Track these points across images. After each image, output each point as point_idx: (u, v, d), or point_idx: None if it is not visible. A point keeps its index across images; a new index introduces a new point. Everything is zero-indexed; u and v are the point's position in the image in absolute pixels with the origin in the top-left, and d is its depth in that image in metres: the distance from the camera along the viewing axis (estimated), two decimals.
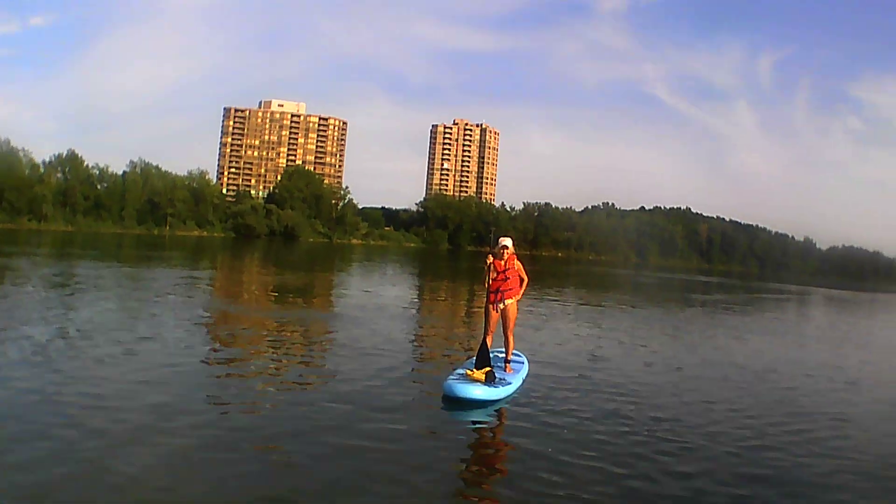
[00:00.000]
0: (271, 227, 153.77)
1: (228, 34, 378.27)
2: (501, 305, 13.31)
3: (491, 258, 13.33)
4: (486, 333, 13.07)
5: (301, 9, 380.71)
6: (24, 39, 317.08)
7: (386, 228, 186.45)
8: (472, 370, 12.25)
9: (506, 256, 13.33)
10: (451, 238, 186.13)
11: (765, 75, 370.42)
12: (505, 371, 13.07)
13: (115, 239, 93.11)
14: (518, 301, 13.53)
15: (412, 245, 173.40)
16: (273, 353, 15.97)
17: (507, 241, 13.52)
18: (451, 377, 12.29)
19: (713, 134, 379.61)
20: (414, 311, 27.87)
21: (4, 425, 8.91)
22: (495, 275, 13.27)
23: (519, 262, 13.46)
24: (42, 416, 9.38)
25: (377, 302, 28.31)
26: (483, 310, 14.01)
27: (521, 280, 13.50)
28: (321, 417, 10.32)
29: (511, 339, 13.54)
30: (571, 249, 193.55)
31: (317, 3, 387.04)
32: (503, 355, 13.60)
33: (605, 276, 77.41)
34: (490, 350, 12.68)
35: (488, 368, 12.22)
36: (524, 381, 13.20)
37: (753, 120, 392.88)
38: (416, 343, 19.11)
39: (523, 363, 14.13)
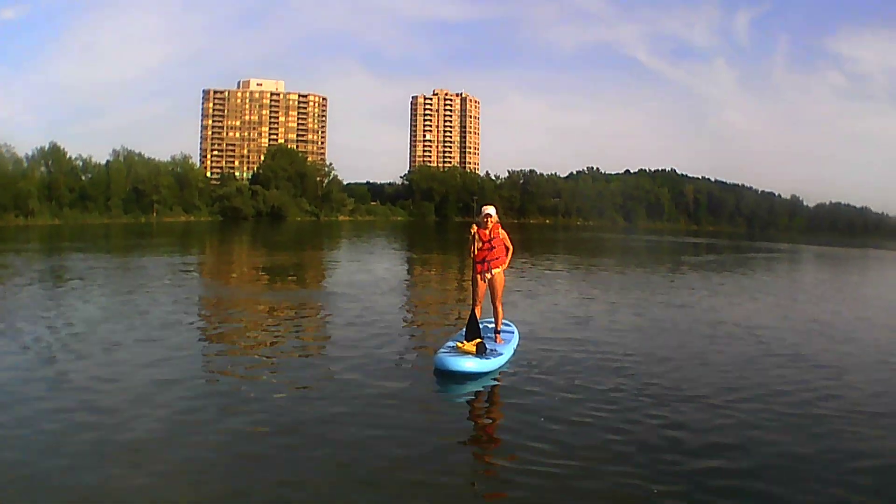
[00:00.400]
0: (258, 208, 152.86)
1: (202, 16, 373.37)
2: (488, 275, 13.27)
3: (475, 228, 13.23)
4: (474, 304, 13.08)
5: None
6: None
7: (372, 203, 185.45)
8: (462, 342, 12.23)
9: (490, 225, 13.22)
10: (437, 210, 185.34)
11: (742, 33, 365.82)
12: (496, 341, 13.08)
13: (102, 230, 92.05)
14: (505, 270, 13.49)
15: (399, 219, 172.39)
16: (265, 333, 16.20)
17: (491, 210, 13.42)
18: (442, 350, 12.28)
19: (694, 94, 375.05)
20: (404, 285, 28.15)
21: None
22: (480, 244, 13.20)
23: (504, 231, 13.38)
24: (53, 400, 9.97)
25: (367, 278, 28.49)
26: (470, 281, 13.90)
27: (507, 249, 13.44)
28: (315, 396, 10.57)
29: (500, 308, 13.51)
30: (559, 216, 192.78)
31: None
32: (493, 326, 13.60)
33: (594, 242, 77.10)
34: (479, 321, 12.70)
35: (479, 340, 12.20)
36: (515, 350, 13.20)
37: (733, 78, 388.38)
38: (407, 316, 19.32)
39: (513, 332, 14.09)
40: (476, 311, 12.87)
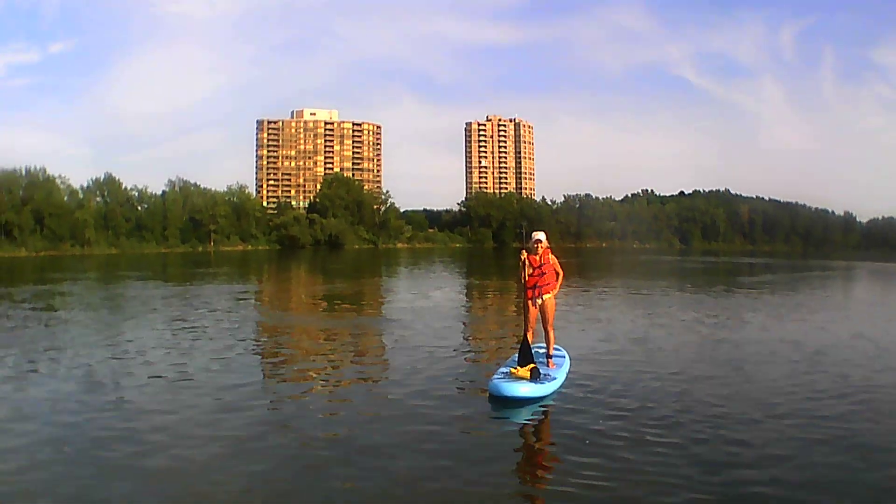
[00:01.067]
0: (315, 236, 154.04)
1: (250, 48, 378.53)
2: (539, 301, 13.21)
3: (525, 254, 13.17)
4: (525, 330, 12.99)
5: (318, 15, 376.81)
6: (45, 67, 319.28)
7: (430, 230, 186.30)
8: (515, 368, 12.22)
9: (540, 251, 13.22)
10: (495, 236, 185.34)
11: (787, 48, 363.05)
12: (547, 366, 12.97)
13: (160, 259, 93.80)
14: (555, 295, 13.43)
15: (457, 245, 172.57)
16: (324, 359, 16.30)
17: (541, 235, 13.40)
18: (496, 376, 12.28)
19: (743, 112, 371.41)
20: (462, 311, 28.54)
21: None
22: (531, 270, 13.15)
23: (553, 256, 13.37)
24: (120, 424, 10.21)
25: (425, 304, 28.60)
26: (521, 307, 13.86)
27: (557, 274, 13.39)
28: (372, 421, 10.62)
29: (552, 333, 13.45)
30: (615, 239, 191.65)
31: (332, 7, 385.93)
32: (544, 350, 13.46)
33: (651, 265, 76.17)
34: (531, 346, 12.67)
35: (532, 365, 12.17)
36: (567, 374, 13.07)
37: (781, 94, 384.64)
38: (463, 342, 19.12)
39: (564, 357, 14.01)
40: (528, 336, 12.81)
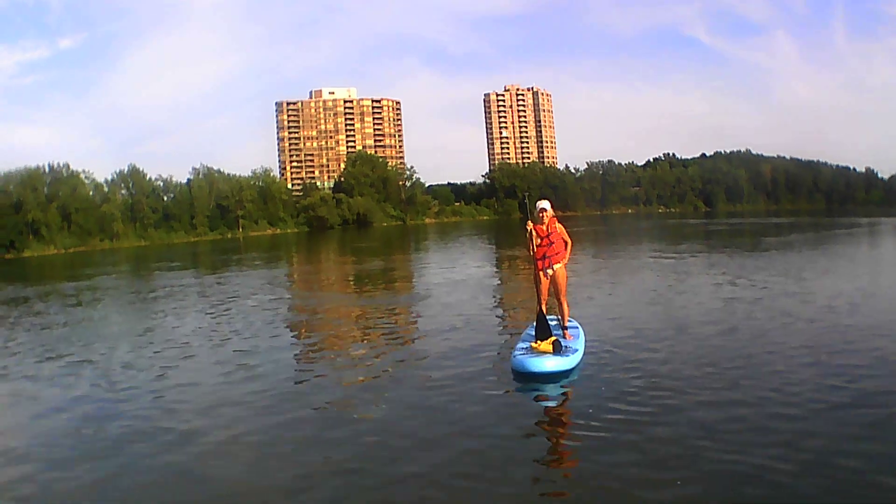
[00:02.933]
0: (343, 216, 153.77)
1: (260, 29, 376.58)
2: (550, 271, 13.01)
3: (531, 224, 12.96)
4: (539, 302, 12.83)
5: None
6: (55, 63, 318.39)
7: (456, 204, 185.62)
8: (536, 342, 12.06)
9: (546, 220, 12.94)
10: (521, 206, 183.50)
11: (798, 2, 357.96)
12: (564, 338, 12.68)
13: (189, 247, 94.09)
14: (566, 265, 13.23)
15: (485, 218, 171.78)
16: (356, 338, 16.84)
17: (546, 204, 13.09)
18: (518, 352, 12.12)
19: (758, 69, 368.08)
20: (493, 283, 28.58)
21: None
22: (539, 241, 12.94)
23: (561, 225, 13.10)
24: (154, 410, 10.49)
25: (456, 277, 29.13)
26: (532, 279, 13.53)
27: (566, 243, 13.17)
28: (402, 401, 10.60)
29: (566, 304, 13.29)
30: (640, 205, 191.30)
31: None
32: (555, 322, 13.26)
33: (678, 228, 75.43)
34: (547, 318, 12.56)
35: (554, 338, 12.02)
36: (585, 345, 12.77)
37: (795, 50, 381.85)
38: (494, 316, 19.19)
39: (578, 327, 13.81)
40: (543, 308, 12.64)
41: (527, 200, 13.93)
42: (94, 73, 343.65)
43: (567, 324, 13.27)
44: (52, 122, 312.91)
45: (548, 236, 12.87)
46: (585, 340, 12.96)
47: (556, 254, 12.92)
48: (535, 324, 12.99)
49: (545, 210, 12.89)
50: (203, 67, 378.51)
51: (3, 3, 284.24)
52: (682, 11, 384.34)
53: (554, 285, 13.03)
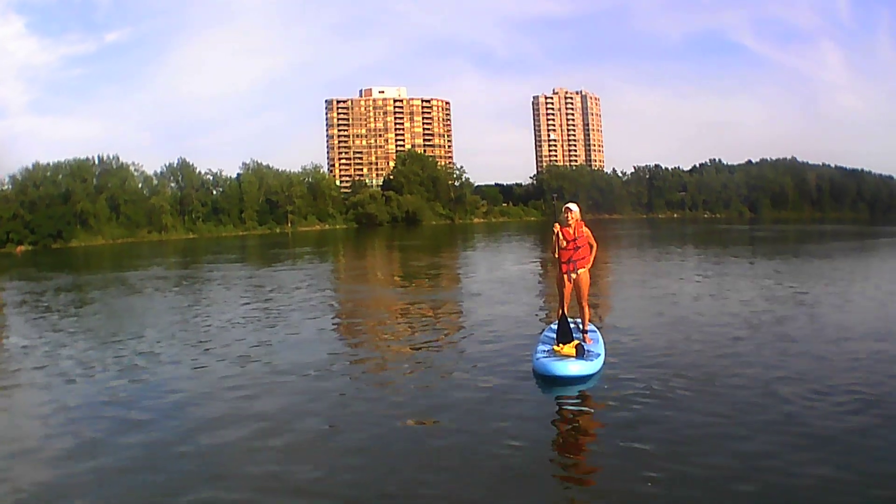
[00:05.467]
0: (392, 213, 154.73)
1: (308, 28, 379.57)
2: (574, 275, 12.83)
3: (558, 227, 12.81)
4: (561, 306, 12.76)
5: None
6: (102, 56, 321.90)
7: (504, 204, 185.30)
8: (559, 346, 11.87)
9: (573, 223, 12.82)
10: (583, 209, 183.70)
11: (844, 11, 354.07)
12: (584, 342, 12.34)
13: (238, 241, 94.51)
14: (589, 269, 13.03)
15: (532, 219, 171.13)
16: (398, 335, 17.04)
17: (574, 207, 13.03)
18: (540, 355, 11.90)
19: (803, 78, 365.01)
20: (533, 283, 28.73)
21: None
22: (565, 244, 12.77)
23: (587, 229, 12.92)
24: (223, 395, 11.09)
25: (498, 277, 29.47)
26: (556, 282, 13.36)
27: (591, 247, 13.00)
28: (438, 399, 10.64)
29: (587, 308, 13.16)
30: (686, 209, 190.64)
31: None
32: (573, 326, 12.61)
33: (723, 234, 74.49)
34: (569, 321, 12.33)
35: (577, 342, 11.91)
36: (605, 350, 12.50)
37: (840, 59, 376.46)
38: (527, 315, 18.81)
39: (596, 332, 13.47)
40: (565, 312, 12.55)
41: (555, 202, 14.10)
42: (142, 68, 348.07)
43: (587, 328, 13.07)
44: (99, 116, 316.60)
45: (574, 240, 12.77)
46: (605, 345, 12.78)
47: (582, 258, 12.82)
48: (552, 326, 13.24)
49: (571, 210, 12.88)
50: (252, 64, 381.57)
51: None
52: (729, 17, 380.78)
53: (577, 289, 12.90)
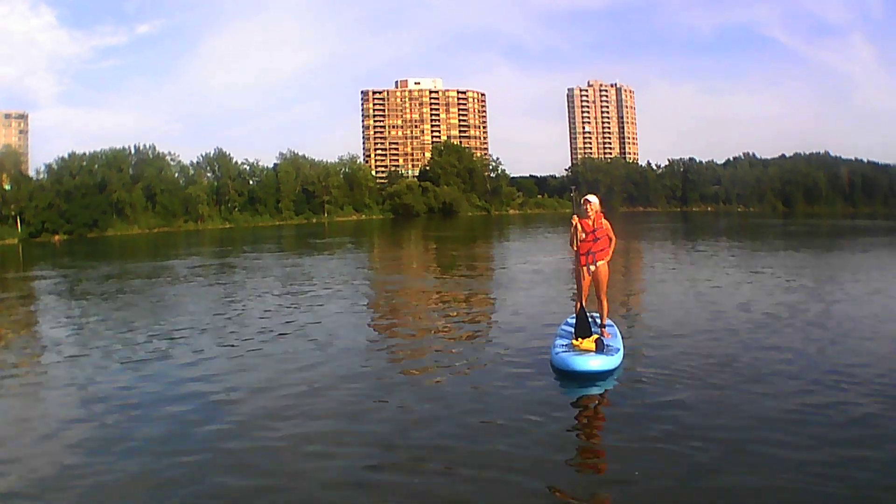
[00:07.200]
0: (429, 204, 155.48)
1: (342, 19, 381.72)
2: (593, 268, 12.72)
3: (577, 219, 12.79)
4: (580, 299, 12.64)
5: None
6: (134, 48, 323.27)
7: (539, 196, 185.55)
8: (578, 340, 11.83)
9: (593, 215, 12.75)
10: (603, 201, 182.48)
11: (875, 5, 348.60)
12: (602, 336, 12.33)
13: (275, 231, 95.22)
14: (609, 261, 12.90)
15: (567, 210, 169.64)
16: (425, 322, 17.92)
17: (593, 199, 12.89)
18: (558, 349, 11.83)
19: (835, 72, 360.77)
20: (564, 275, 28.32)
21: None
22: (584, 236, 12.69)
23: (606, 221, 12.87)
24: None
25: (535, 268, 30.04)
26: (574, 274, 13.51)
27: (610, 239, 12.90)
28: (463, 390, 10.85)
29: (605, 302, 13.06)
30: (720, 203, 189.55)
31: None
32: (590, 319, 12.58)
33: (757, 228, 74.03)
34: (588, 315, 12.33)
35: (596, 336, 11.90)
36: (623, 344, 12.41)
37: (871, 54, 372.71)
38: (552, 307, 18.61)
39: (614, 326, 13.51)
40: (584, 305, 12.44)
41: (573, 195, 14.21)
42: (173, 60, 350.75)
43: (605, 322, 13.08)
44: (130, 108, 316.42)
45: (593, 231, 12.64)
46: (623, 339, 12.68)
47: (601, 250, 12.67)
48: (569, 320, 13.31)
49: (590, 202, 12.75)
50: (286, 55, 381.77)
51: None
52: (760, 11, 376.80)
53: (595, 282, 12.77)
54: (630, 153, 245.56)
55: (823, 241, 49.23)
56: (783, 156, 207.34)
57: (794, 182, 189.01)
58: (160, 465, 8.05)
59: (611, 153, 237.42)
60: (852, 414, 8.98)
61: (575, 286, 13.43)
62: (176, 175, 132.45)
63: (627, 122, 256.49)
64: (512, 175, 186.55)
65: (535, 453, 8.09)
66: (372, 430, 8.99)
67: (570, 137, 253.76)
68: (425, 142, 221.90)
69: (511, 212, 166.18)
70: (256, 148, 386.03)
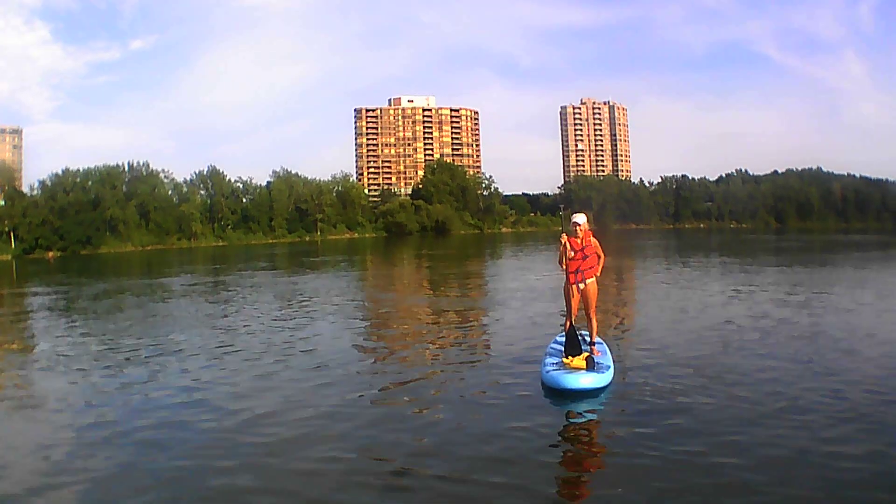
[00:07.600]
0: (422, 222, 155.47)
1: (333, 37, 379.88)
2: (582, 285, 12.74)
3: (565, 237, 12.76)
4: (569, 317, 12.74)
5: (400, 2, 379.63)
6: (127, 64, 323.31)
7: (532, 214, 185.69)
8: (568, 358, 11.93)
9: (581, 234, 12.68)
10: (596, 218, 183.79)
11: (867, 21, 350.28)
12: (592, 354, 12.42)
13: (268, 249, 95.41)
14: (597, 279, 12.91)
15: (559, 228, 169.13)
16: (416, 339, 17.97)
17: (581, 218, 12.83)
18: (549, 367, 11.91)
19: (827, 88, 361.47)
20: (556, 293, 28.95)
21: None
22: (573, 254, 12.69)
23: (595, 239, 12.85)
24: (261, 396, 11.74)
25: (527, 285, 29.89)
26: (563, 292, 13.26)
27: (599, 257, 12.90)
28: (453, 409, 10.79)
29: (595, 319, 13.01)
30: (712, 219, 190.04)
31: None
32: (580, 337, 12.70)
33: (749, 244, 74.39)
34: (577, 333, 12.44)
35: (587, 354, 12.05)
36: (613, 362, 12.41)
37: (863, 69, 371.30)
38: (542, 325, 18.65)
39: (603, 343, 13.50)
40: (573, 323, 12.59)
41: (562, 213, 14.31)
42: (167, 75, 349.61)
43: (594, 339, 13.00)
44: (124, 123, 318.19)
45: (582, 249, 12.65)
46: (612, 356, 12.70)
47: (590, 268, 12.72)
48: (557, 338, 13.44)
49: (579, 224, 12.65)
50: (279, 72, 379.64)
51: (73, 4, 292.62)
52: (752, 28, 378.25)
53: (584, 299, 12.80)
54: (623, 170, 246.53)
55: (815, 256, 49.36)
56: (776, 172, 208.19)
57: (786, 198, 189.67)
58: (154, 481, 8.09)
59: (604, 170, 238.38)
60: (842, 430, 8.99)
61: (564, 304, 13.28)
62: (169, 192, 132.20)
63: (620, 140, 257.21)
64: (505, 193, 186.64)
65: (523, 470, 8.06)
66: (353, 457, 8.81)
67: (563, 155, 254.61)
68: (418, 160, 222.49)
69: (504, 230, 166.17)
70: (249, 165, 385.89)
